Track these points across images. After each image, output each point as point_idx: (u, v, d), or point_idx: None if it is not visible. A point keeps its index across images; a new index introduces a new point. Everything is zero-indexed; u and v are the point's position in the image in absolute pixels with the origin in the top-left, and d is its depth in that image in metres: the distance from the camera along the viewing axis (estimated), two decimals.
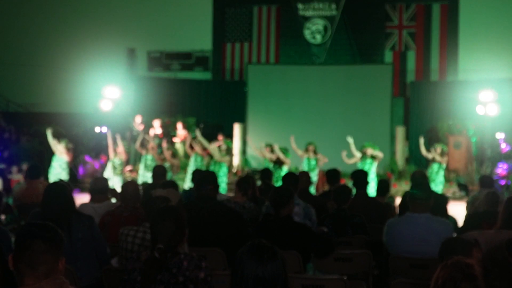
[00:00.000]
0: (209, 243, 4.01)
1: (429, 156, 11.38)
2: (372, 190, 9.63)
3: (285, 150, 11.18)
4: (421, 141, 11.67)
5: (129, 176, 13.22)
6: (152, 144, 12.05)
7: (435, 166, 11.15)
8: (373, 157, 10.97)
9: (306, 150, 11.51)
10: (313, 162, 11.41)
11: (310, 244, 4.11)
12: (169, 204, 3.42)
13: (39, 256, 2.23)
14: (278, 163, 11.00)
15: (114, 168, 11.18)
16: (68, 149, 10.78)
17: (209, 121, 17.13)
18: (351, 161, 11.38)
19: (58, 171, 10.65)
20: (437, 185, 10.83)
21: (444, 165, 11.31)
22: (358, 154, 11.17)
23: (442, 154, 11.17)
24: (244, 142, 16.01)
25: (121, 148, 11.31)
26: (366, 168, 10.64)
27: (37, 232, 2.27)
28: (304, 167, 11.34)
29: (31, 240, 2.24)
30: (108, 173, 11.30)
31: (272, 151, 11.34)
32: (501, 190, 11.22)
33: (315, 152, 11.49)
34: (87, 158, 14.07)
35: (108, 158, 12.23)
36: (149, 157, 11.83)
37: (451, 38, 17.35)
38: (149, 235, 2.99)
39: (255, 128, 16.21)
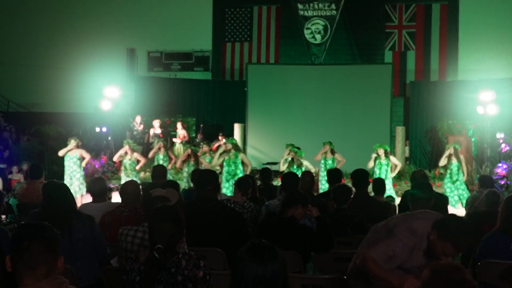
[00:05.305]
0: (210, 243, 4.01)
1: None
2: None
3: (297, 150, 11.07)
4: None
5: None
6: (160, 144, 12.05)
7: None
8: (387, 156, 10.77)
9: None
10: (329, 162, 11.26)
11: (310, 243, 4.12)
12: (166, 204, 3.42)
13: (38, 257, 2.23)
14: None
15: (125, 169, 11.17)
16: (78, 145, 10.80)
17: (209, 121, 17.14)
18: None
19: (73, 168, 10.63)
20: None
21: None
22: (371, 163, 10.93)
23: None
24: (244, 142, 16.00)
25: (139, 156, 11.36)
26: (382, 170, 10.53)
27: (35, 232, 2.26)
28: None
29: (29, 241, 2.23)
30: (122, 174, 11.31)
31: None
32: (500, 190, 11.21)
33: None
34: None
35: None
36: (161, 156, 11.79)
37: (451, 38, 17.36)
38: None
39: (255, 128, 16.20)
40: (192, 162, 10.65)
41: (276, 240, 3.28)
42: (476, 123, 14.35)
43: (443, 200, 6.12)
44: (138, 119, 15.11)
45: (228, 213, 4.29)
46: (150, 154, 12.19)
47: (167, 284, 2.73)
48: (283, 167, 10.82)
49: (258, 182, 7.73)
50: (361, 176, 5.96)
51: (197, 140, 14.96)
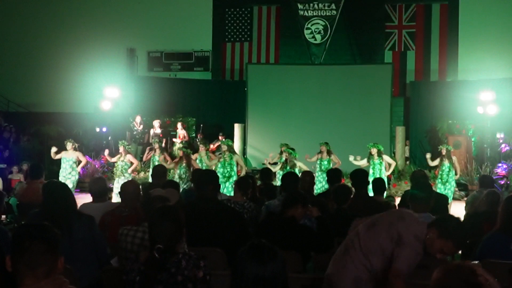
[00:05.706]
0: (210, 243, 4.01)
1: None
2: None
3: (291, 150, 11.02)
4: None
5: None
6: (155, 145, 12.01)
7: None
8: (380, 156, 10.80)
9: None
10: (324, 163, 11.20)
11: (310, 243, 4.12)
12: (166, 204, 3.42)
13: (38, 257, 2.22)
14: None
15: (116, 170, 11.18)
16: (75, 148, 10.82)
17: (209, 121, 17.13)
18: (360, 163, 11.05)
19: (68, 171, 10.66)
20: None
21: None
22: (364, 161, 10.94)
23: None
24: (244, 142, 16.01)
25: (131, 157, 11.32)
26: (376, 169, 10.55)
27: (35, 233, 2.25)
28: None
29: (30, 241, 2.23)
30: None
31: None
32: (500, 190, 11.20)
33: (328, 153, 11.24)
34: (87, 158, 14.07)
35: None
36: (156, 157, 11.73)
37: (451, 38, 17.36)
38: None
39: (255, 128, 16.20)
40: (183, 165, 10.57)
41: (276, 240, 3.28)
42: (476, 123, 14.35)
43: (443, 200, 6.12)
44: (138, 119, 15.11)
45: (228, 213, 4.29)
46: (144, 158, 12.16)
47: (167, 284, 2.73)
48: (275, 168, 10.76)
49: (258, 182, 7.74)
50: (361, 176, 5.96)
51: (197, 141, 14.97)
